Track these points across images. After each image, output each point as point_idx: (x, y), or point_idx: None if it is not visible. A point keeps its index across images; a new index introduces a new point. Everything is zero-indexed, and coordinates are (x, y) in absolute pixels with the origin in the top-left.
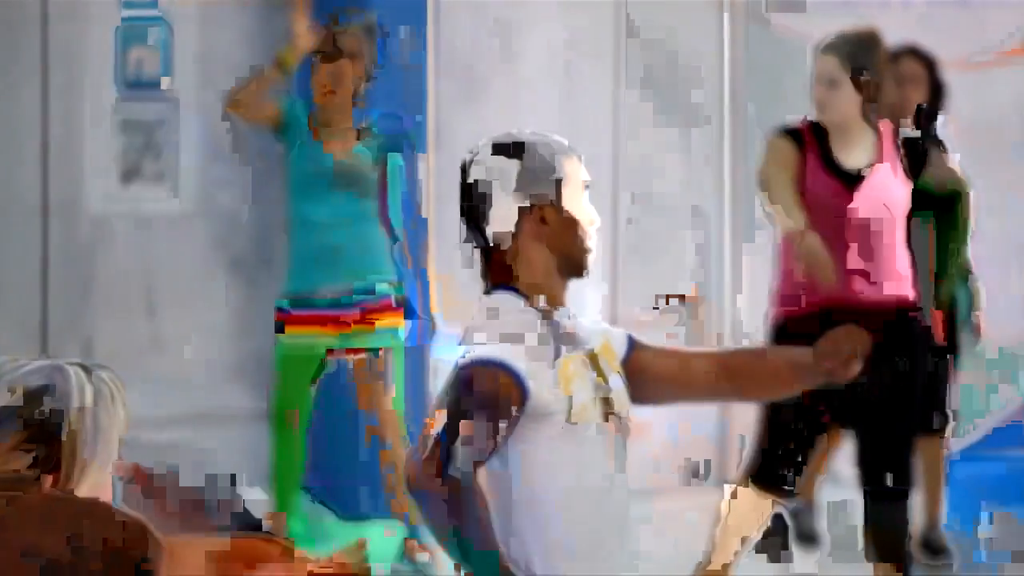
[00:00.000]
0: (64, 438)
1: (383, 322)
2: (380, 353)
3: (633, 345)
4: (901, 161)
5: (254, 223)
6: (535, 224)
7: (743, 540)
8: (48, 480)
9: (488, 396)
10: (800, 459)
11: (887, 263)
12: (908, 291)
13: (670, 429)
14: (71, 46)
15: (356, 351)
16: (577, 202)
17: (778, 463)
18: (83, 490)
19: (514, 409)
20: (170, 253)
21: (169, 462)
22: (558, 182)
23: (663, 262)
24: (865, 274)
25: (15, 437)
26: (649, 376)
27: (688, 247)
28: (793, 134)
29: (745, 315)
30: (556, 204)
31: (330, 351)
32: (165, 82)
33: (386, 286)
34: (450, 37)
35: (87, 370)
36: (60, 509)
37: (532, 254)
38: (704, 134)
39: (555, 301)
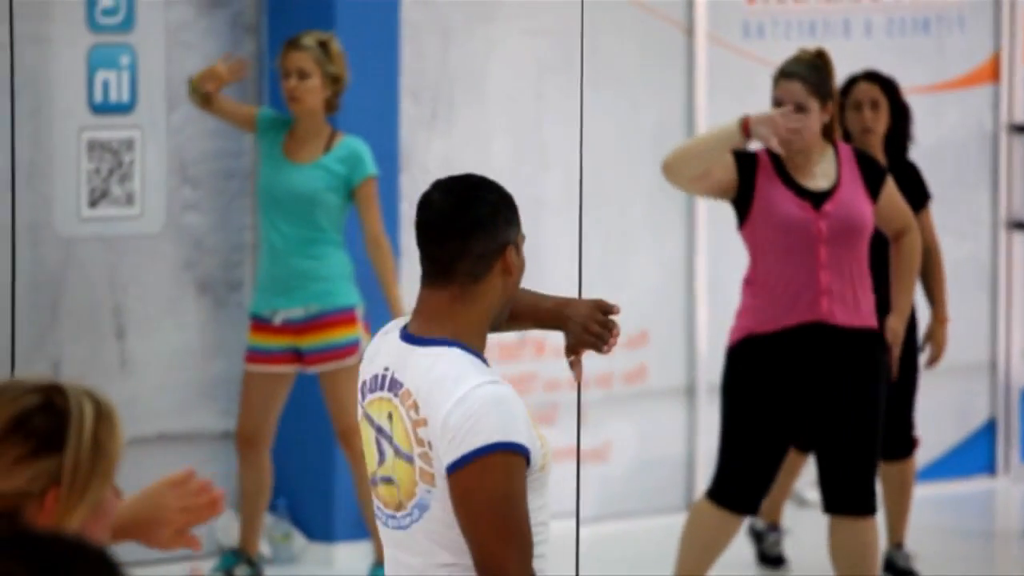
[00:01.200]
0: (67, 453)
1: (343, 330)
2: (343, 360)
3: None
4: (863, 181)
5: (222, 245)
6: (505, 261)
7: (707, 558)
8: (50, 496)
9: (519, 485)
10: (759, 477)
11: (856, 283)
12: (872, 319)
13: (635, 452)
14: (38, 69)
15: (319, 359)
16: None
17: (737, 481)
18: (84, 507)
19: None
20: (138, 275)
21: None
22: (518, 224)
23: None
24: (836, 294)
25: (16, 452)
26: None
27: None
28: (746, 154)
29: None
30: (517, 247)
31: (296, 360)
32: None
33: (347, 305)
34: (417, 59)
35: (84, 389)
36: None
37: (492, 297)
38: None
39: (483, 350)
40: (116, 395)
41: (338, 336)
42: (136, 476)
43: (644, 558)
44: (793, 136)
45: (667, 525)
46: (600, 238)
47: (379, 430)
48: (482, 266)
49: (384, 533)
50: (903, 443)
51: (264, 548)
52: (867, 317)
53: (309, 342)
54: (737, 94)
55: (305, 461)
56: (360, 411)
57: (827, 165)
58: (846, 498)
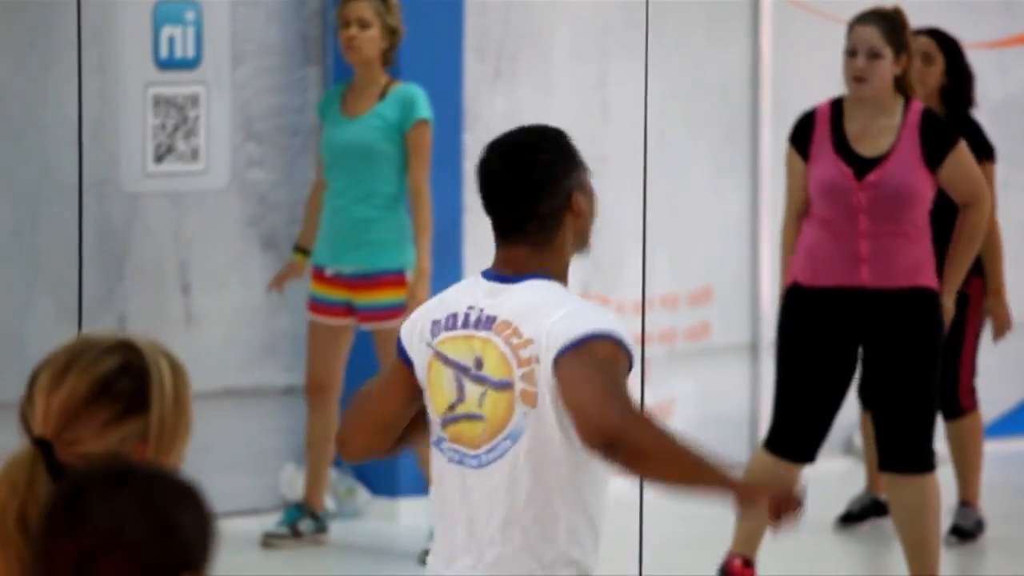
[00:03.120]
0: (152, 413)
1: (391, 292)
2: (389, 322)
3: None
4: (922, 147)
5: (286, 201)
6: (573, 209)
7: None
8: (136, 453)
9: (625, 372)
10: (812, 425)
11: (899, 251)
12: (924, 278)
13: (697, 408)
14: (105, 25)
15: (367, 317)
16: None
17: (790, 429)
18: (170, 462)
19: None
20: (203, 230)
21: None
22: (585, 166)
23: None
24: (873, 262)
25: (105, 415)
26: None
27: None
28: (805, 124)
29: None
30: (587, 188)
31: (351, 313)
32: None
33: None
34: (481, 16)
35: (156, 346)
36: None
37: (568, 243)
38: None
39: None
40: (181, 350)
41: (385, 297)
42: (201, 432)
43: (705, 516)
44: (862, 81)
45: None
46: (664, 195)
47: (458, 367)
48: (551, 223)
49: (454, 474)
50: (951, 404)
51: (328, 503)
52: (916, 276)
53: (360, 299)
54: (803, 51)
55: None
56: (427, 351)
57: (890, 125)
58: (899, 456)
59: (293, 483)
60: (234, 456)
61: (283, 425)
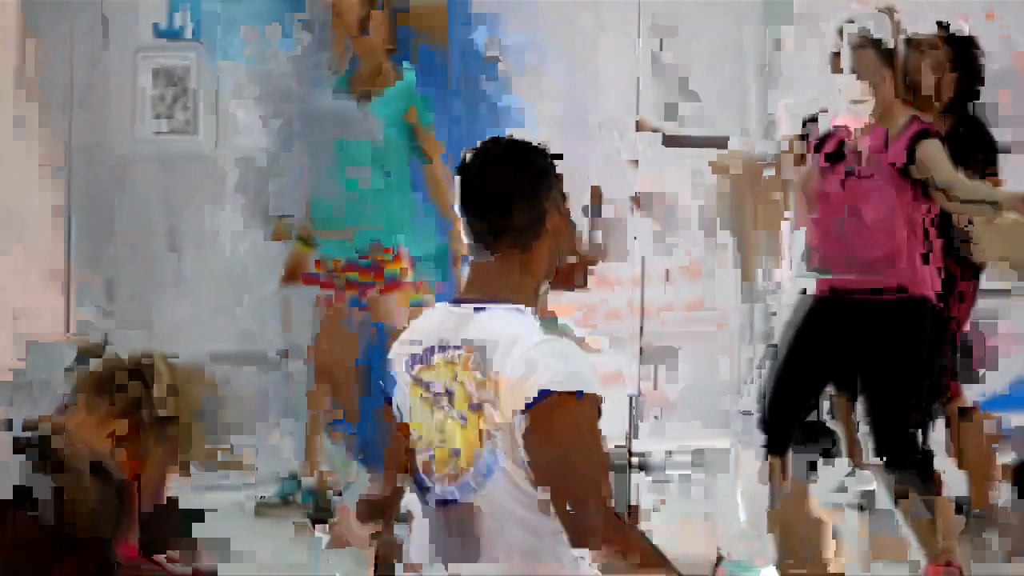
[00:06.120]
0: (145, 419)
1: (387, 266)
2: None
3: None
4: (907, 150)
5: (277, 167)
6: (548, 228)
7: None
8: (123, 454)
9: (595, 426)
10: (788, 420)
11: (875, 248)
12: (904, 277)
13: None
14: None
15: (364, 290)
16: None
17: (783, 430)
18: (150, 475)
19: None
20: (192, 195)
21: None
22: (560, 187)
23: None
24: (847, 258)
25: (102, 412)
26: None
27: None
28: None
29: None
30: (563, 213)
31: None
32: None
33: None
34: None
35: (167, 362)
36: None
37: (543, 261)
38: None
39: (538, 308)
40: (169, 315)
41: (383, 271)
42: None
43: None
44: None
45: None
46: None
47: (435, 396)
48: (529, 235)
49: (425, 514)
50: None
51: (327, 472)
52: (893, 278)
53: (354, 276)
54: None
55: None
56: (406, 385)
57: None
58: (882, 452)
59: (285, 450)
60: (224, 422)
61: (274, 391)
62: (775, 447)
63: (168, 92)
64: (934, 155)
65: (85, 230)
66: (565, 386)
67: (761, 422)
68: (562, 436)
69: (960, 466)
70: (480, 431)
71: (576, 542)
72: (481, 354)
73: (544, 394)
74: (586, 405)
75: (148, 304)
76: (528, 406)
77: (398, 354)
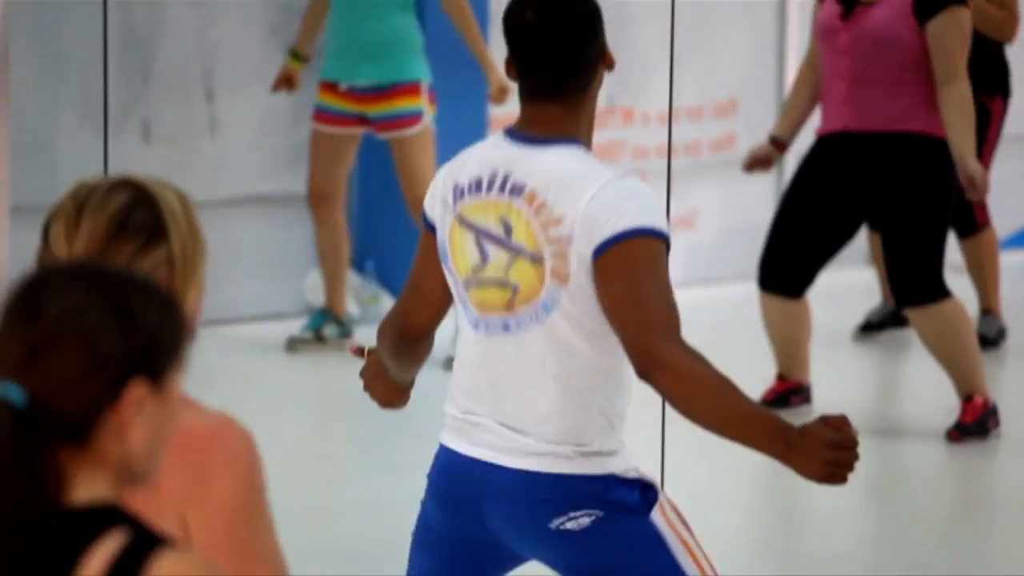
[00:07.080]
0: (172, 240)
1: (407, 100)
2: (413, 128)
3: None
4: (912, 5)
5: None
6: (607, 61)
7: (794, 344)
8: (164, 281)
9: (665, 268)
10: (803, 262)
11: (879, 97)
12: (912, 123)
13: (721, 219)
14: None
15: (383, 127)
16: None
17: (777, 264)
18: (195, 286)
19: None
20: (228, 39)
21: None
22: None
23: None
24: (856, 106)
25: (129, 249)
26: None
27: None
28: None
29: None
30: (606, 48)
31: (361, 123)
32: None
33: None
34: None
35: (153, 179)
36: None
37: (595, 96)
38: None
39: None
40: (205, 157)
41: (402, 105)
42: (224, 237)
43: (730, 323)
44: None
45: (752, 292)
46: (691, 6)
47: (481, 232)
48: (589, 74)
49: (478, 337)
50: (966, 222)
51: (353, 309)
52: (901, 122)
53: (374, 110)
54: None
55: (392, 224)
56: (449, 216)
57: None
58: (909, 292)
59: (317, 288)
60: (259, 262)
61: (307, 232)
62: (767, 283)
63: None
64: (941, 37)
65: (122, 72)
66: (641, 223)
67: (761, 258)
68: (637, 272)
69: (974, 274)
70: (544, 270)
71: (643, 371)
72: (549, 191)
73: (622, 234)
74: (659, 242)
75: (184, 146)
76: (604, 243)
77: (441, 186)
